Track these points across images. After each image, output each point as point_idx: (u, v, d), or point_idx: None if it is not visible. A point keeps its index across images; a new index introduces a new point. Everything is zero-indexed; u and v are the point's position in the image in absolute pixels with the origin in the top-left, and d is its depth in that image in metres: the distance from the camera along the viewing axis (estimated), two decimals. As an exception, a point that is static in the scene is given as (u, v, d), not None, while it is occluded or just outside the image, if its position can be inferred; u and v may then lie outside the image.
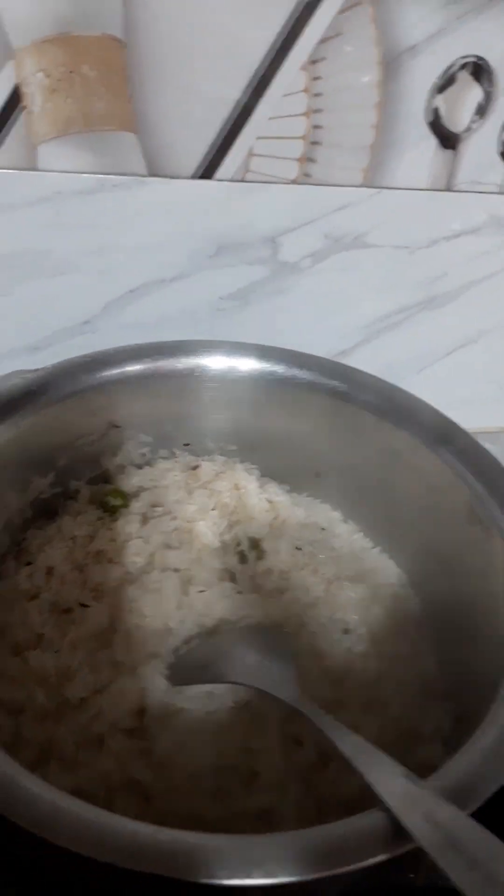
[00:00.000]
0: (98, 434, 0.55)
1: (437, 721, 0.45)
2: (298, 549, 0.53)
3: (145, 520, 0.55)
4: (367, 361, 0.72)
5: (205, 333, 0.68)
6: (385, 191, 0.63)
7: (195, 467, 0.58)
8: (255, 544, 0.52)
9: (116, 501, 0.56)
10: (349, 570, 0.53)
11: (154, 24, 0.55)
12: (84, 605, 0.49)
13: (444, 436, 0.50)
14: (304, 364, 0.54)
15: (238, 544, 0.52)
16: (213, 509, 0.55)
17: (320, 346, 0.70)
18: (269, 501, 0.56)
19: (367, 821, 0.31)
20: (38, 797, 0.31)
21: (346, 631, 0.49)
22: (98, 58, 0.56)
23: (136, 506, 0.56)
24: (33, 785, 0.32)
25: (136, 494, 0.57)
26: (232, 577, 0.51)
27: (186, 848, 0.30)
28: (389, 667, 0.47)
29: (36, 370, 0.50)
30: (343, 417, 0.53)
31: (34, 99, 0.57)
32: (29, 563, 0.51)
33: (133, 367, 0.53)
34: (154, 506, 0.56)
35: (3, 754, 0.33)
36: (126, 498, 0.56)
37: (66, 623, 0.49)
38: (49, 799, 0.31)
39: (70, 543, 0.53)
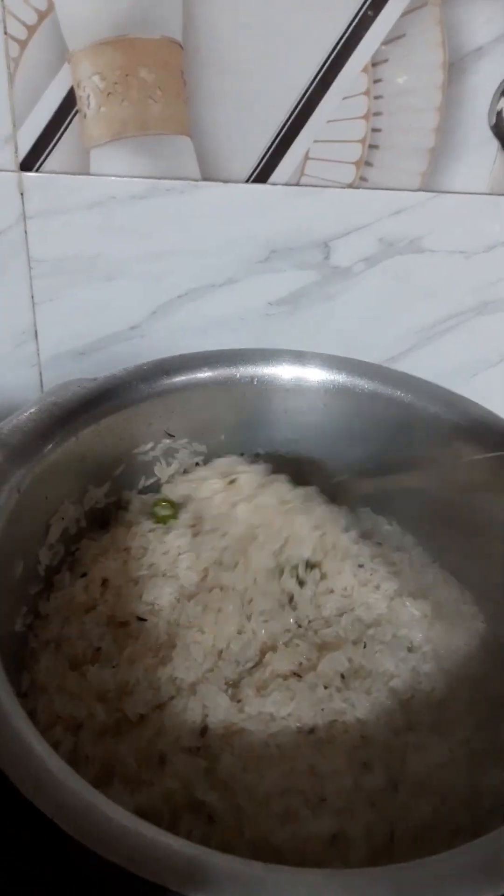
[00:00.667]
0: (153, 443, 0.54)
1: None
2: (361, 566, 0.51)
3: (195, 533, 0.54)
4: (418, 367, 0.70)
5: (254, 339, 0.68)
6: (442, 195, 0.62)
7: (232, 481, 0.56)
8: (312, 565, 0.51)
9: (166, 512, 0.55)
10: (411, 586, 0.51)
11: (213, 27, 0.54)
12: (141, 619, 0.48)
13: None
14: (367, 373, 0.53)
15: (295, 567, 0.51)
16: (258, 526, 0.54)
17: (371, 351, 0.69)
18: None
19: (467, 858, 0.30)
20: (107, 818, 0.30)
21: (410, 649, 0.48)
22: (155, 60, 0.55)
23: (185, 517, 0.55)
24: (104, 805, 0.31)
25: (183, 505, 0.56)
26: (290, 599, 0.50)
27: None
28: (457, 686, 0.46)
29: (94, 379, 0.50)
30: (405, 428, 0.52)
31: (89, 102, 0.56)
32: (84, 575, 0.51)
33: (191, 376, 0.52)
34: (199, 518, 0.54)
35: (73, 773, 0.32)
36: (176, 508, 0.55)
37: (123, 637, 0.48)
38: (116, 820, 0.30)
39: (124, 555, 0.52)
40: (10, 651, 0.42)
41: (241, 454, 0.57)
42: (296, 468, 0.57)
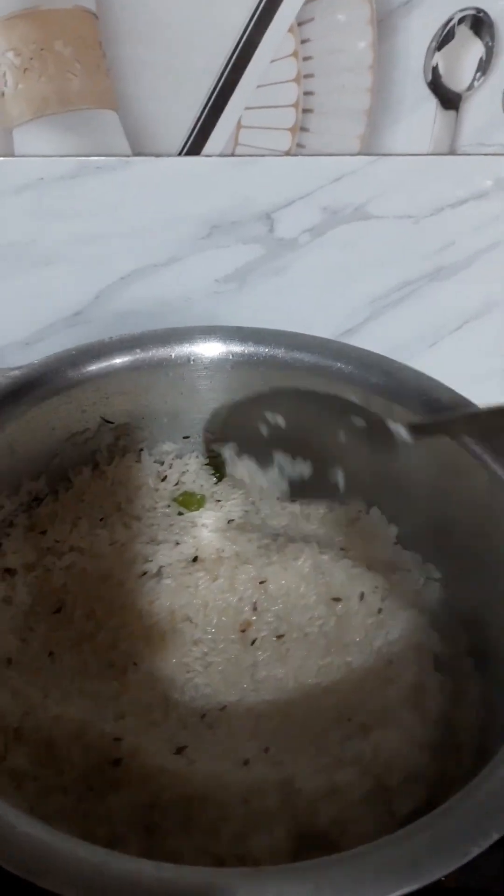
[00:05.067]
0: (91, 432, 0.52)
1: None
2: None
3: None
4: (375, 339, 0.68)
5: (202, 318, 0.65)
6: (384, 158, 0.60)
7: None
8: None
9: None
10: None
11: (128, -7, 0.51)
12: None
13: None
14: (306, 346, 0.51)
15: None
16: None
17: (324, 325, 0.67)
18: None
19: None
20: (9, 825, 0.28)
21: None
22: (71, 32, 0.52)
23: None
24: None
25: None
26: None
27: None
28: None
29: (20, 367, 0.48)
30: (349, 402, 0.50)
31: (5, 80, 0.54)
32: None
33: (122, 359, 0.50)
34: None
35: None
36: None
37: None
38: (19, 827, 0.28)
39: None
40: None
41: (186, 437, 0.55)
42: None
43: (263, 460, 0.50)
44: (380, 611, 0.47)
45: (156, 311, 0.66)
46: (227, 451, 0.52)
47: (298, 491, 0.49)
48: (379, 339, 0.69)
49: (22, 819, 0.28)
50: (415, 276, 0.67)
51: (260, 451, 0.50)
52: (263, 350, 0.51)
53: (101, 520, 0.52)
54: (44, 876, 0.26)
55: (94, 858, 0.27)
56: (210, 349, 0.51)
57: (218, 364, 0.51)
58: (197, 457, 0.56)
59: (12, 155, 0.57)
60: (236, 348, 0.51)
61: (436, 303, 0.69)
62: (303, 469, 0.48)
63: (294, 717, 0.44)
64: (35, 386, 0.47)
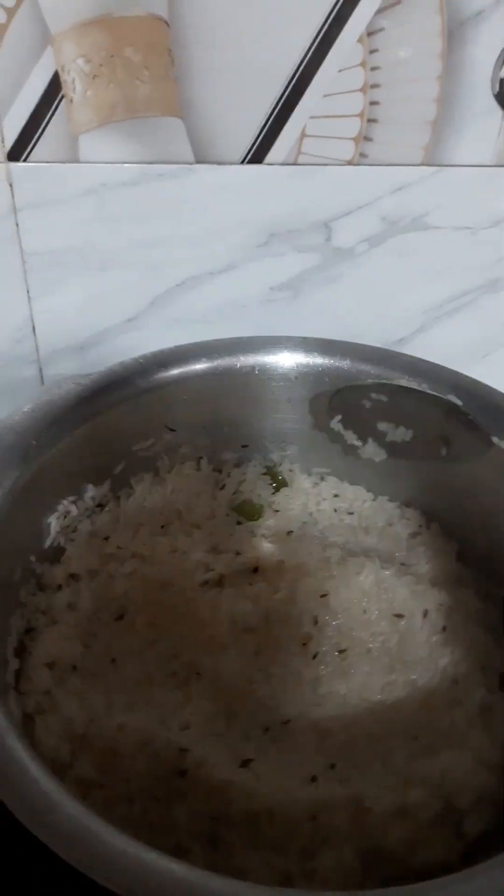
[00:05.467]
0: (154, 439, 0.52)
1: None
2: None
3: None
4: (427, 349, 0.68)
5: (256, 326, 0.66)
6: (446, 169, 0.59)
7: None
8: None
9: (252, 518, 0.54)
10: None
11: (199, 1, 0.51)
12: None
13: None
14: (371, 358, 0.50)
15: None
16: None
17: (377, 334, 0.67)
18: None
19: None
20: (103, 842, 0.28)
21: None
22: (141, 39, 0.52)
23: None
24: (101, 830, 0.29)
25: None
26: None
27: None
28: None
29: (89, 375, 0.48)
30: (417, 415, 0.50)
31: (74, 86, 0.54)
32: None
33: (189, 368, 0.50)
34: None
35: (69, 796, 0.31)
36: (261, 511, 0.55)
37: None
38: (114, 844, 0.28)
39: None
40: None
41: (245, 446, 0.55)
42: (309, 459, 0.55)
43: (362, 432, 0.50)
44: (444, 629, 0.47)
45: (210, 318, 0.66)
46: (287, 464, 0.52)
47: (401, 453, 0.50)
48: (431, 349, 0.68)
49: (116, 836, 0.28)
50: (470, 287, 0.67)
51: (360, 423, 0.50)
52: (328, 361, 0.51)
53: (161, 527, 0.52)
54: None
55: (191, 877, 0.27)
56: (275, 359, 0.51)
57: (282, 374, 0.51)
58: (255, 466, 0.56)
59: (77, 161, 0.57)
60: (302, 359, 0.51)
61: (489, 315, 0.68)
62: (404, 435, 0.49)
63: (359, 735, 0.43)
64: (104, 393, 0.47)
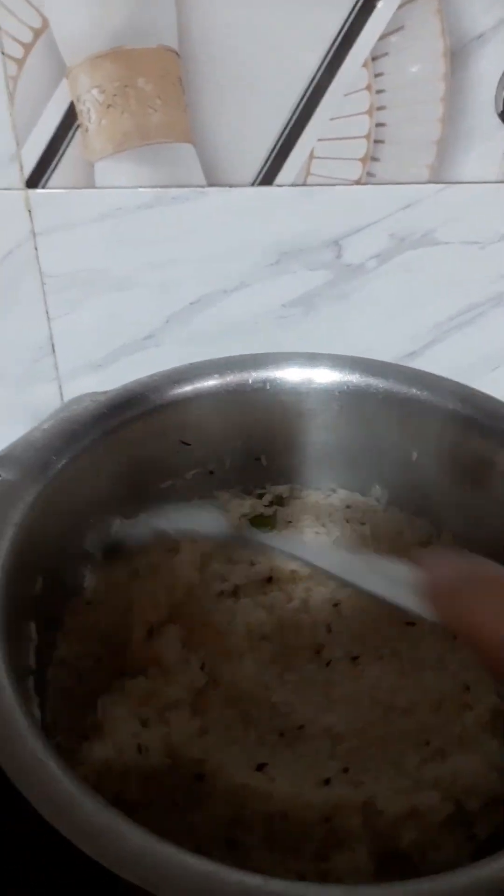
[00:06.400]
0: (169, 453, 0.54)
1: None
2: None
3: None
4: (438, 363, 0.69)
5: (269, 343, 0.67)
6: (453, 186, 0.61)
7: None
8: None
9: (266, 529, 0.56)
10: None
11: (208, 32, 0.53)
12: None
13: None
14: (380, 372, 0.52)
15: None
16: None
17: (388, 349, 0.68)
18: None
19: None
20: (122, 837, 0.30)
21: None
22: (153, 70, 0.54)
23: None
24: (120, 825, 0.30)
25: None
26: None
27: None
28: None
29: (106, 392, 0.50)
30: (423, 427, 0.51)
31: (89, 116, 0.56)
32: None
33: (202, 384, 0.52)
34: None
35: (90, 792, 0.32)
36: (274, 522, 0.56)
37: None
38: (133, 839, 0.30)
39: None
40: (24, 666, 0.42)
41: (258, 459, 0.56)
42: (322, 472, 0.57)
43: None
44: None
45: (224, 335, 0.67)
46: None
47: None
48: (441, 363, 0.70)
49: (136, 832, 0.29)
50: (479, 300, 0.68)
51: None
52: (338, 376, 0.52)
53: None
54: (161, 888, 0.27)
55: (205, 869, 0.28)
56: (286, 374, 0.53)
57: (293, 389, 0.53)
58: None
59: (93, 187, 0.59)
60: (311, 374, 0.53)
61: (499, 328, 0.69)
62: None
63: (371, 739, 0.44)
64: (121, 410, 0.49)
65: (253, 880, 0.28)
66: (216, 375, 0.52)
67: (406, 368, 0.52)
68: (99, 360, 0.68)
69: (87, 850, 0.28)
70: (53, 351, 0.68)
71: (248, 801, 0.41)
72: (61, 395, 0.70)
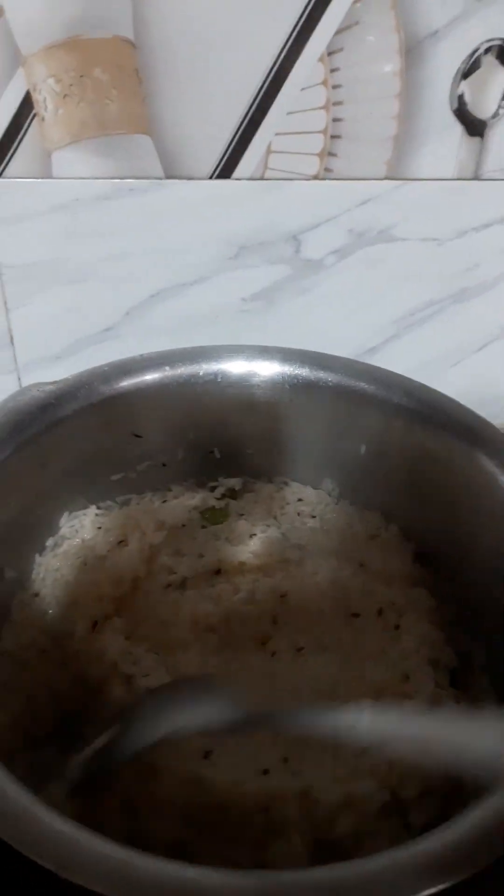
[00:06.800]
0: (119, 445, 0.53)
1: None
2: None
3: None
4: (398, 359, 0.70)
5: (229, 336, 0.67)
6: (410, 182, 0.61)
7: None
8: None
9: (217, 522, 0.56)
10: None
11: (164, 24, 0.53)
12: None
13: (479, 438, 0.48)
14: (329, 366, 0.52)
15: None
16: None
17: (348, 344, 0.69)
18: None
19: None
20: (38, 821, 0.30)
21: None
22: (109, 60, 0.54)
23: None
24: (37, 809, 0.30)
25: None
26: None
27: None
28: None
29: (54, 382, 0.49)
30: (371, 421, 0.51)
31: (46, 105, 0.56)
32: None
33: (152, 376, 0.52)
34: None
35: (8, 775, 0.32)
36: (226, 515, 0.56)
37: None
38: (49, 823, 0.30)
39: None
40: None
41: (211, 451, 0.56)
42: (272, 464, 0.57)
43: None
44: (397, 627, 0.48)
45: (184, 328, 0.67)
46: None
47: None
48: (402, 359, 0.70)
49: (55, 818, 0.29)
50: (438, 297, 0.68)
51: None
52: (288, 369, 0.52)
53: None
54: (73, 871, 0.27)
55: (119, 856, 0.28)
56: (236, 367, 0.53)
57: (243, 381, 0.53)
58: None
59: (50, 177, 0.59)
60: (261, 367, 0.53)
61: (459, 324, 0.70)
62: None
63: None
64: (68, 400, 0.49)
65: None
66: (167, 367, 0.52)
67: (356, 363, 0.52)
68: (58, 352, 0.68)
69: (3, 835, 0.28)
70: (12, 342, 0.68)
71: (196, 790, 0.41)
72: (20, 386, 0.70)
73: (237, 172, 0.60)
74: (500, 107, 0.58)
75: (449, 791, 0.41)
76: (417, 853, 0.30)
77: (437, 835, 0.31)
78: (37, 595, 0.50)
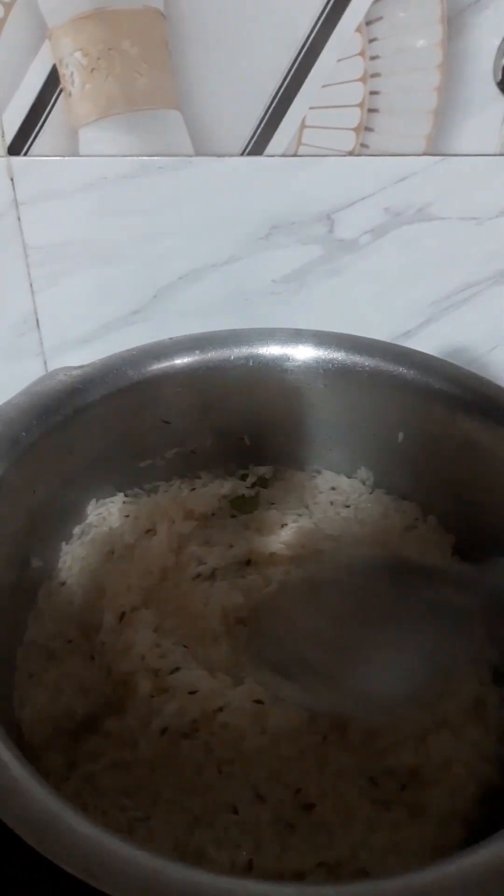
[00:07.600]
0: (147, 431, 0.52)
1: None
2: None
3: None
4: (434, 342, 0.68)
5: (259, 319, 0.65)
6: (450, 158, 0.59)
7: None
8: None
9: (247, 511, 0.55)
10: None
11: (196, -7, 0.51)
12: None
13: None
14: (366, 350, 0.50)
15: None
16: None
17: (382, 327, 0.67)
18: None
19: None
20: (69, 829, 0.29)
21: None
22: (138, 32, 0.52)
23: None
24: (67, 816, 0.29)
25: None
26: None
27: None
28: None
29: (81, 366, 0.48)
30: (410, 407, 0.49)
31: (73, 80, 0.54)
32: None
33: (182, 360, 0.50)
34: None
35: (38, 781, 0.31)
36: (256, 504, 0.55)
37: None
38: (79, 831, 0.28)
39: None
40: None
41: (241, 438, 0.55)
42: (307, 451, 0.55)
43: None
44: None
45: (213, 310, 0.66)
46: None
47: None
48: (438, 342, 0.68)
49: (83, 823, 0.28)
50: (477, 278, 0.66)
51: None
52: (322, 353, 0.51)
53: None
54: (101, 879, 0.26)
55: (148, 864, 0.27)
56: (269, 351, 0.51)
57: (276, 366, 0.51)
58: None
59: (77, 155, 0.57)
60: (295, 351, 0.51)
61: (498, 307, 0.67)
62: None
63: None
64: (96, 385, 0.47)
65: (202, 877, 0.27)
66: (197, 351, 0.50)
67: (394, 346, 0.51)
68: (85, 336, 0.67)
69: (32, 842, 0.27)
70: (38, 325, 0.66)
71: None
72: (46, 370, 0.69)
73: (269, 149, 0.58)
74: (545, 78, 0.55)
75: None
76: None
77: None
78: (63, 584, 0.49)
